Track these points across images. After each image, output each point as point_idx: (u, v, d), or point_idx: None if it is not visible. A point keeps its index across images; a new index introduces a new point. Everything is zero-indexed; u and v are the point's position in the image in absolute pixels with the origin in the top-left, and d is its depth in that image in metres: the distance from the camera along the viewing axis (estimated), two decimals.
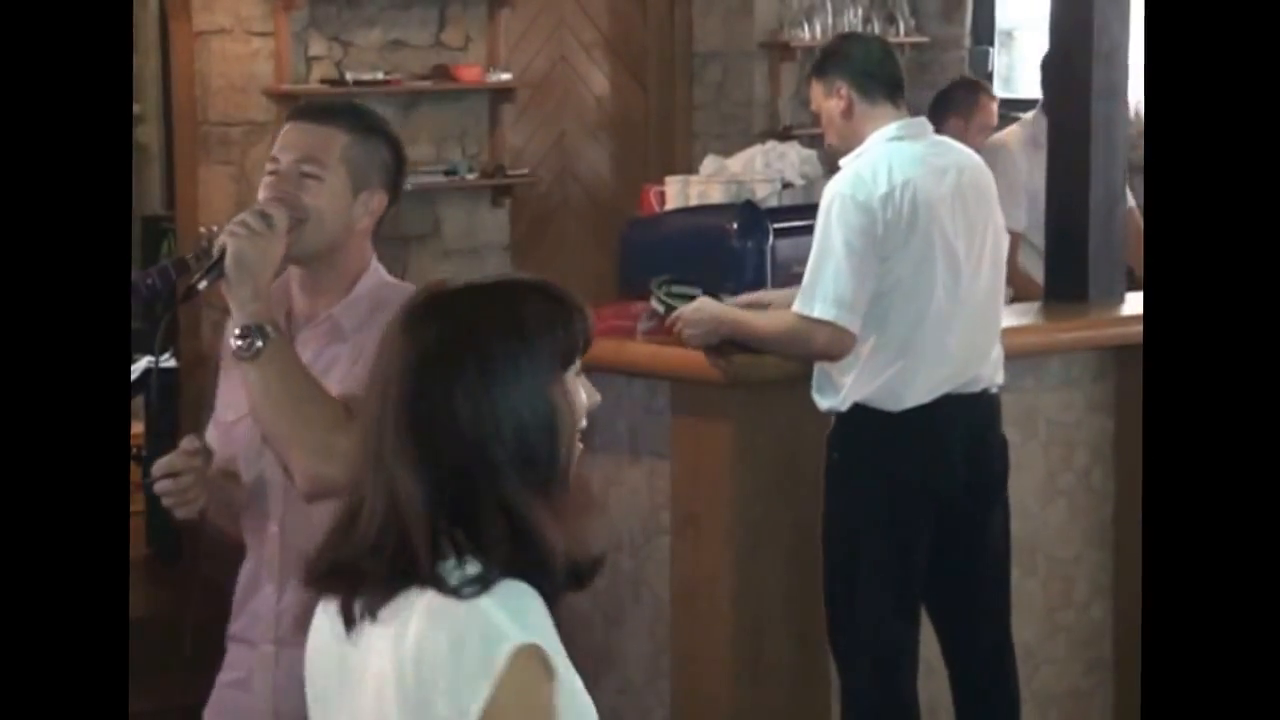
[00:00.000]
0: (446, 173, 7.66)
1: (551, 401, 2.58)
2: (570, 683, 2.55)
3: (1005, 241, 5.56)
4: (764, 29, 8.53)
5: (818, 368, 5.24)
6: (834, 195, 5.21)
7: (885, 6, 8.89)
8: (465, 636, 2.48)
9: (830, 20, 8.65)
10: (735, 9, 8.47)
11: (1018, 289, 6.70)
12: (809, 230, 5.98)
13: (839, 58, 5.43)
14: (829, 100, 5.33)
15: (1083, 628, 6.24)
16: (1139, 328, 6.17)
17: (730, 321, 5.28)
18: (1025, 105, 8.77)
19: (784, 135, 7.14)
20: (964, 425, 5.31)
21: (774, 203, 6.03)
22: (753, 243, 5.82)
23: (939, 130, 5.82)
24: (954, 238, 5.32)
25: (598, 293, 6.13)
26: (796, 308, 5.09)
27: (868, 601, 5.22)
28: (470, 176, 7.71)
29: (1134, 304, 6.50)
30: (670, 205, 6.17)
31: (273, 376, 3.52)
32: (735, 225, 5.87)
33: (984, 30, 9.19)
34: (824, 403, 5.28)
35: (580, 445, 2.65)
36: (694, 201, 6.12)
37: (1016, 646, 5.98)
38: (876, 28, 8.80)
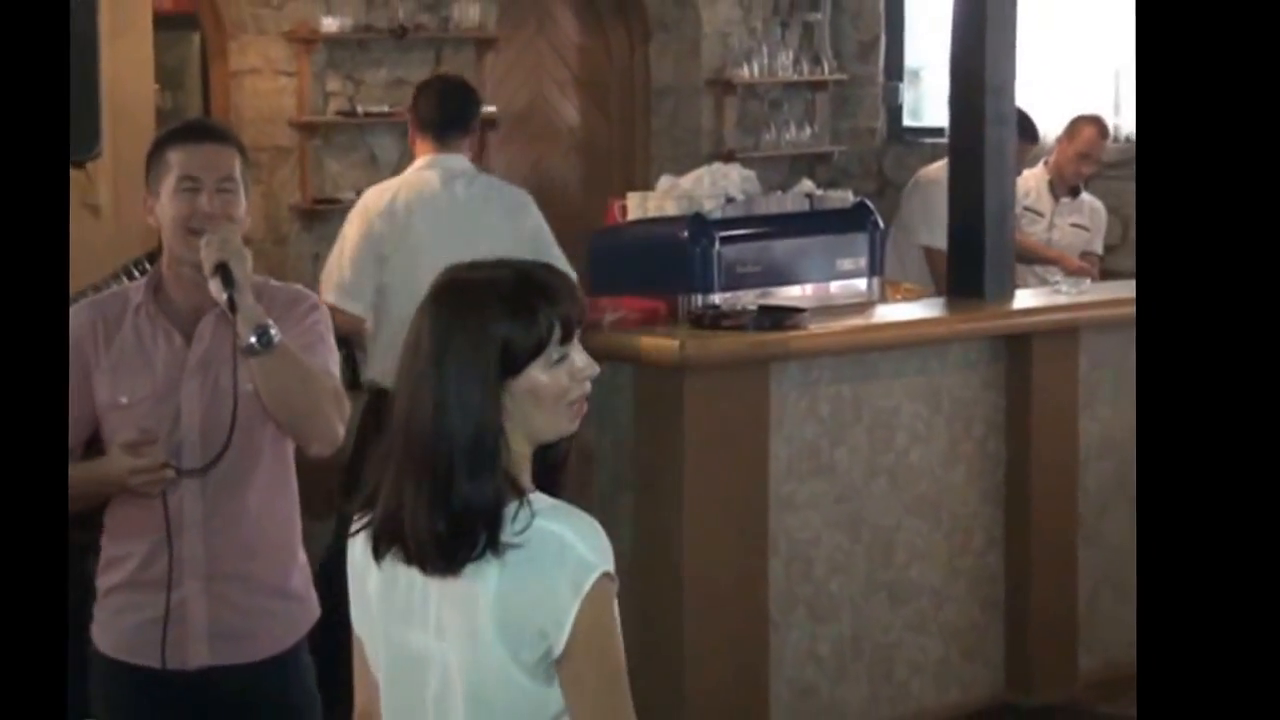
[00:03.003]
0: None
1: (489, 399, 2.54)
2: None
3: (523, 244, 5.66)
4: (710, 68, 8.54)
5: None
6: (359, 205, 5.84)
7: (811, 48, 8.90)
8: (553, 565, 2.50)
9: (766, 61, 8.66)
10: (685, 52, 8.47)
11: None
12: (750, 237, 6.06)
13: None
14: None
15: (979, 571, 6.24)
16: (1026, 319, 6.27)
17: None
18: (930, 133, 8.82)
19: (728, 158, 7.17)
20: None
21: (719, 214, 6.03)
22: (701, 248, 5.81)
23: None
24: (449, 240, 5.38)
25: None
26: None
27: None
28: None
29: (1022, 299, 6.58)
30: (631, 216, 6.17)
31: (284, 365, 3.51)
32: (686, 233, 5.86)
33: (895, 69, 9.20)
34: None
35: (575, 398, 2.61)
36: (652, 213, 6.11)
37: (924, 589, 6.13)
38: (805, 67, 8.81)
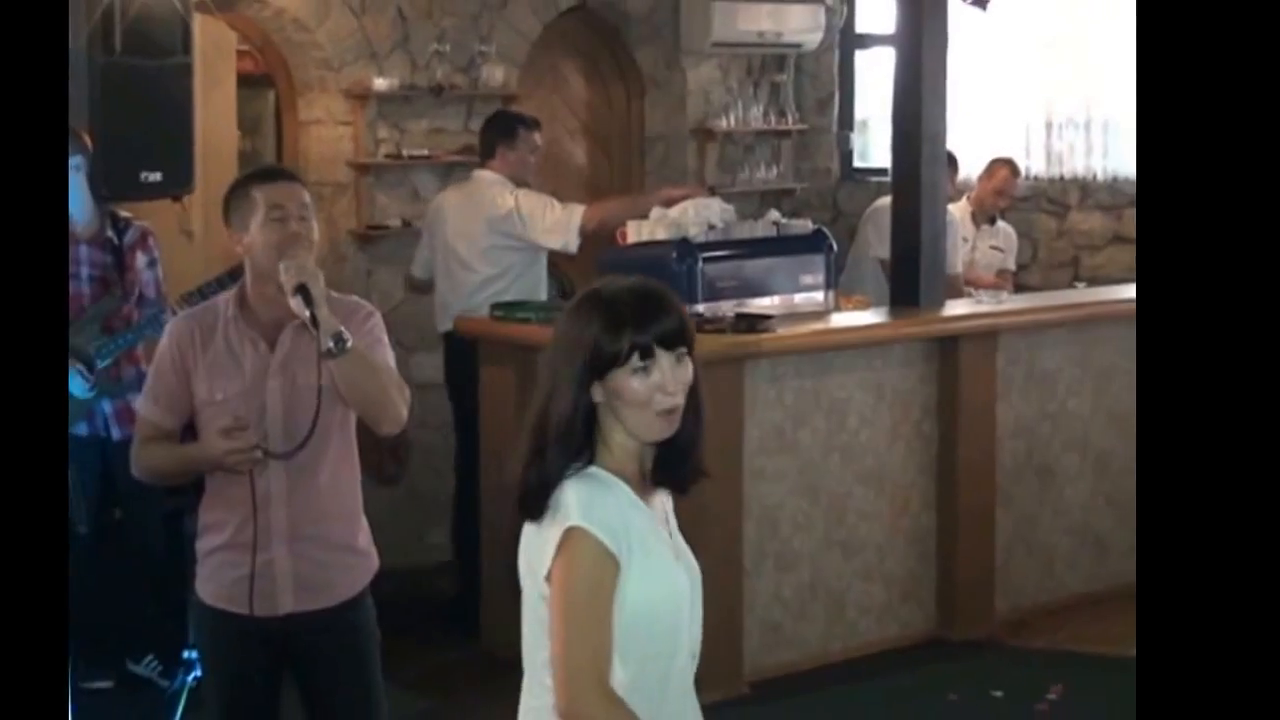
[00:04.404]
0: None
1: (579, 404, 2.50)
2: (643, 565, 2.49)
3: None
4: (694, 119, 8.54)
5: None
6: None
7: (778, 104, 8.90)
8: (552, 514, 2.48)
9: (740, 113, 8.66)
10: (674, 106, 8.49)
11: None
12: (727, 258, 6.08)
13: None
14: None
15: (915, 531, 6.25)
16: (954, 325, 6.31)
17: None
18: (876, 172, 8.83)
19: (709, 193, 7.20)
20: None
21: (702, 239, 6.03)
22: (687, 266, 5.83)
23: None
24: (453, 239, 6.32)
25: None
26: None
27: None
28: None
29: (950, 308, 6.53)
30: (631, 240, 6.16)
31: (357, 363, 3.51)
32: (675, 254, 5.88)
33: (846, 120, 9.20)
34: None
35: (661, 409, 2.53)
36: (647, 238, 6.12)
37: (870, 545, 6.10)
38: (773, 119, 8.82)
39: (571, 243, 6.20)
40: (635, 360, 2.49)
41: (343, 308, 3.65)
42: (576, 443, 2.50)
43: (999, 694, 5.69)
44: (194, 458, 3.63)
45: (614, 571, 2.46)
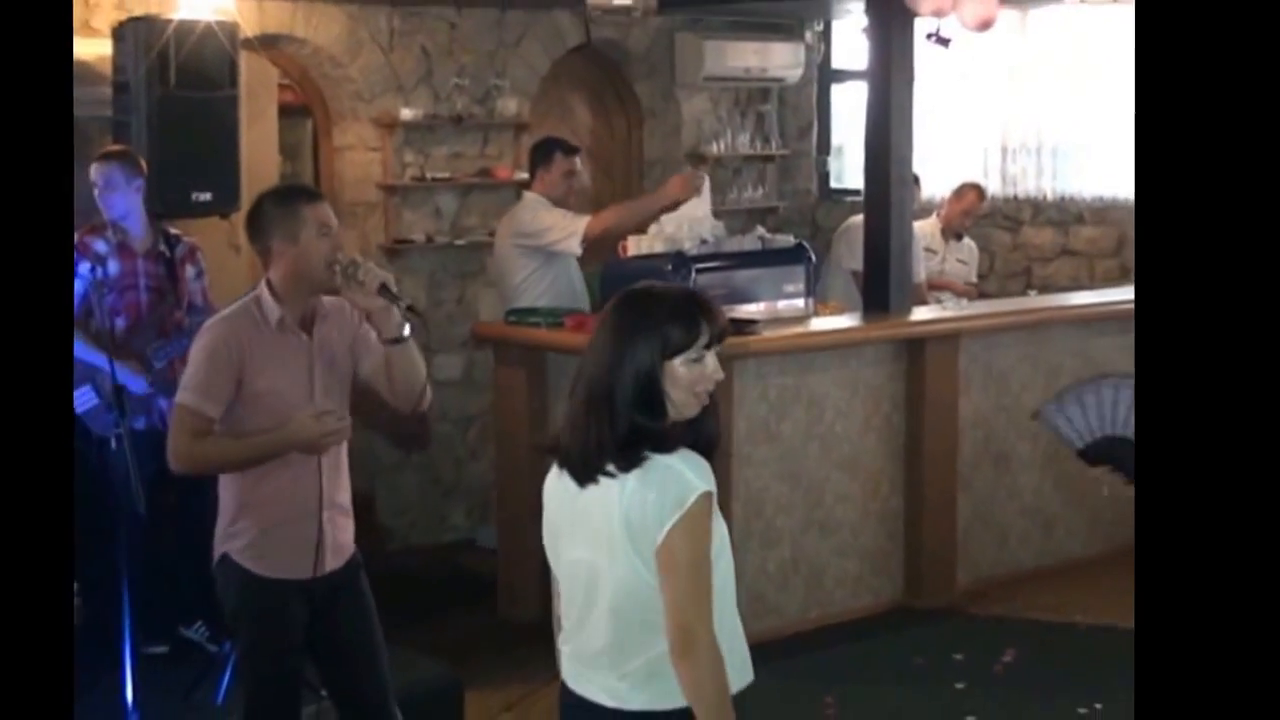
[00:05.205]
0: (488, 234, 7.60)
1: (655, 376, 2.58)
2: (720, 524, 2.62)
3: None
4: (688, 144, 8.55)
5: None
6: None
7: (762, 131, 8.91)
8: (667, 484, 2.55)
9: (729, 140, 8.67)
10: (669, 133, 8.51)
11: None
12: (718, 268, 6.06)
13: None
14: None
15: (885, 511, 6.25)
16: (921, 328, 6.33)
17: None
18: (850, 193, 8.85)
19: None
20: None
21: (695, 251, 6.05)
22: (681, 275, 5.82)
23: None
24: (497, 251, 6.29)
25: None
26: None
27: None
28: None
29: (917, 314, 6.54)
30: (632, 253, 6.18)
31: (411, 350, 3.67)
32: (671, 265, 5.89)
33: (824, 146, 9.22)
34: None
35: (702, 392, 2.62)
36: (646, 251, 6.14)
37: (845, 524, 6.08)
38: (758, 145, 8.83)
39: (574, 246, 6.12)
40: (696, 351, 2.60)
41: (335, 307, 3.74)
42: (658, 405, 2.59)
43: (959, 656, 5.70)
44: (273, 443, 3.60)
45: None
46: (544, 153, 6.37)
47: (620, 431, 2.57)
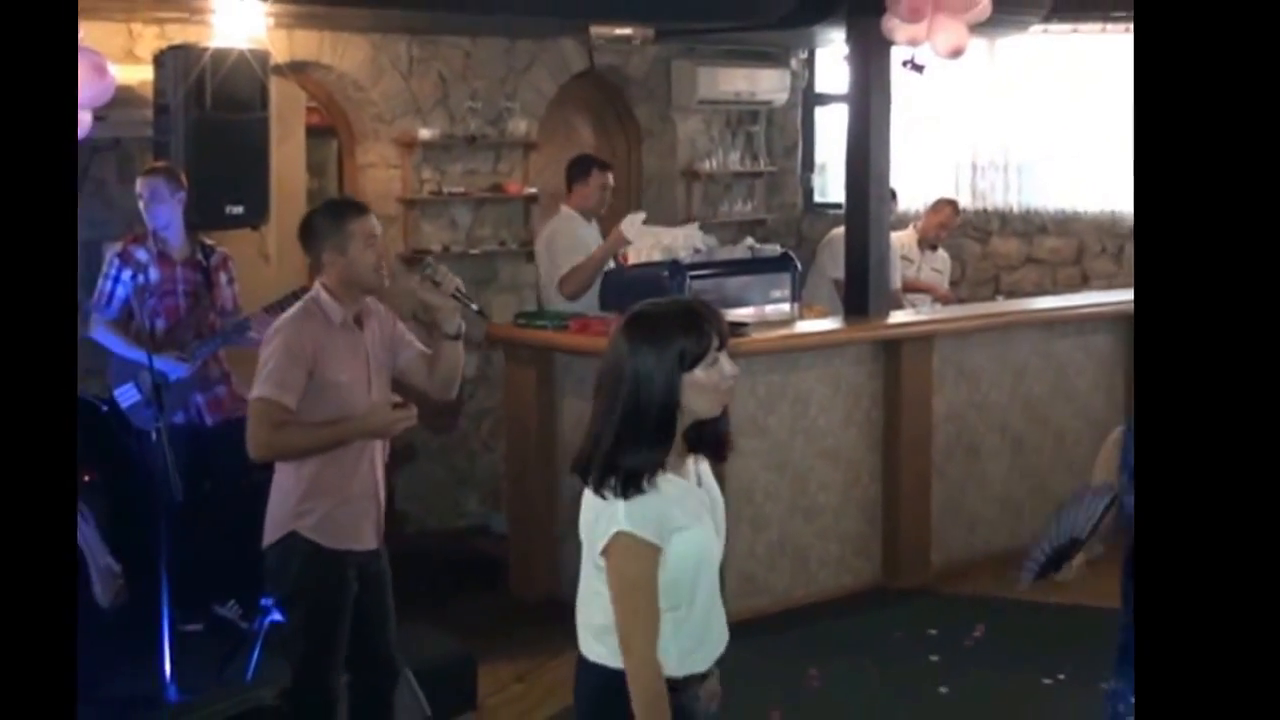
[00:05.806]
0: (500, 244, 7.64)
1: (673, 387, 2.53)
2: (681, 540, 2.55)
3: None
4: (683, 162, 8.55)
5: None
6: None
7: (752, 149, 8.91)
8: (602, 514, 2.55)
9: (721, 158, 8.67)
10: (666, 151, 8.51)
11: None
12: (710, 275, 6.06)
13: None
14: None
15: (865, 498, 6.23)
16: (898, 330, 6.33)
17: None
18: (833, 206, 8.85)
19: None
20: None
21: (689, 260, 6.07)
22: (677, 282, 5.84)
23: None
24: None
25: None
26: None
27: None
28: (513, 247, 7.64)
29: (895, 317, 6.53)
30: (632, 262, 6.18)
31: (460, 345, 3.79)
32: (667, 273, 5.90)
33: (808, 163, 9.22)
34: None
35: (726, 389, 2.58)
36: (644, 260, 6.14)
37: (828, 510, 6.06)
38: (748, 162, 8.83)
39: (554, 291, 6.11)
40: (712, 355, 2.56)
41: (376, 307, 3.84)
42: (669, 429, 2.55)
43: (934, 632, 5.71)
44: (349, 431, 3.66)
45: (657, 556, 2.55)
46: (582, 168, 6.34)
47: (611, 460, 2.54)
